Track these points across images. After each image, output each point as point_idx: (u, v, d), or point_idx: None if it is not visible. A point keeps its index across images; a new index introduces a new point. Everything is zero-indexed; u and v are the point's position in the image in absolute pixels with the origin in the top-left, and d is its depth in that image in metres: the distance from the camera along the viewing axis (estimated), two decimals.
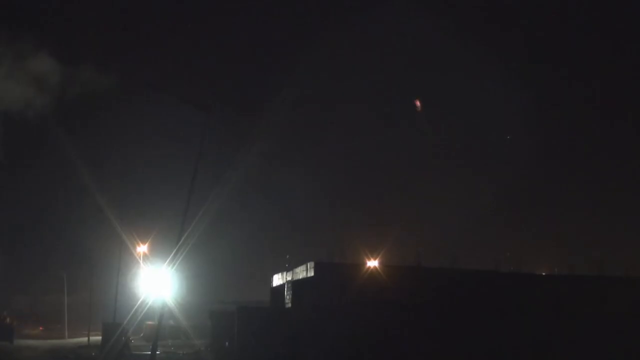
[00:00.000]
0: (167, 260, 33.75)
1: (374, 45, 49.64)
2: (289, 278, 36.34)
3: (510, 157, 49.10)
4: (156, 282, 34.76)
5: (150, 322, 36.87)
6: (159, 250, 36.08)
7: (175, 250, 33.41)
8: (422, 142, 48.25)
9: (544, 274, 37.56)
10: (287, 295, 35.66)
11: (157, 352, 33.28)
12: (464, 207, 47.23)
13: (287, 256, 36.40)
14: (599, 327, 32.80)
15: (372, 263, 35.54)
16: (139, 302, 36.12)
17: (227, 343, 34.24)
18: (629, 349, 32.51)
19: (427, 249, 39.45)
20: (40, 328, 46.58)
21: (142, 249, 38.39)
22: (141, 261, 38.13)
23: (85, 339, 40.99)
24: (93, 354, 34.88)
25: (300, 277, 35.07)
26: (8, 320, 43.50)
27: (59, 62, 34.95)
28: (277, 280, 38.35)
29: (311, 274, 34.23)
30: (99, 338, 36.13)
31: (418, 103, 45.83)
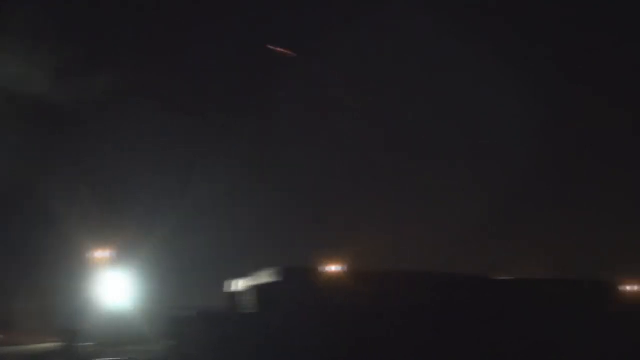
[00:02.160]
0: (129, 266, 33.31)
1: (368, 47, 48.97)
2: (254, 282, 35.84)
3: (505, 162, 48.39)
4: (117, 287, 34.25)
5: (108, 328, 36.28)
6: (121, 255, 35.58)
7: (137, 255, 33.02)
8: (411, 141, 47.32)
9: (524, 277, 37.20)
10: (252, 300, 35.18)
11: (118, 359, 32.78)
12: (440, 211, 46.60)
13: (253, 260, 35.93)
14: (594, 328, 32.90)
15: (340, 267, 35.30)
16: (99, 308, 35.68)
17: (187, 349, 33.61)
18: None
19: (404, 252, 39.09)
20: None
21: (103, 254, 37.66)
22: (102, 266, 37.47)
23: (45, 344, 40.17)
24: None
25: (266, 281, 34.64)
26: None
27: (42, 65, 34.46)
28: (242, 284, 37.71)
29: (277, 278, 33.91)
30: (58, 344, 35.52)
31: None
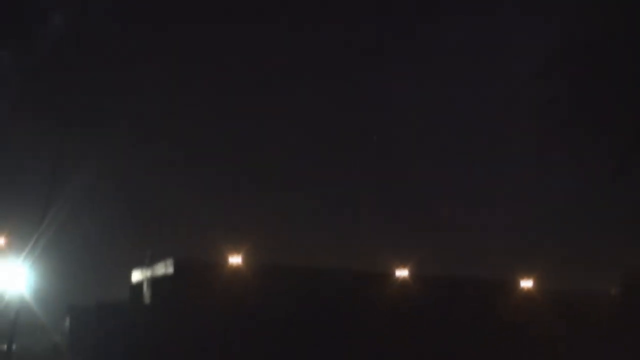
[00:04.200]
0: (24, 254, 33.01)
1: None
2: (149, 274, 36.15)
3: None
4: (11, 276, 33.93)
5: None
6: (15, 243, 34.24)
7: (33, 242, 32.64)
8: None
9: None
10: (147, 292, 35.84)
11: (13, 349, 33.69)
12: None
13: (149, 251, 35.48)
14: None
15: (236, 260, 35.34)
16: None
17: (86, 339, 34.82)
18: None
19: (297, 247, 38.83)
20: None
21: None
22: None
23: None
24: None
25: (160, 273, 35.03)
26: None
27: None
28: (137, 276, 37.87)
29: (170, 270, 34.31)
30: None
31: None
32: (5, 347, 33.52)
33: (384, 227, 40.04)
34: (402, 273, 36.58)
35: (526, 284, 38.01)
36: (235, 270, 34.96)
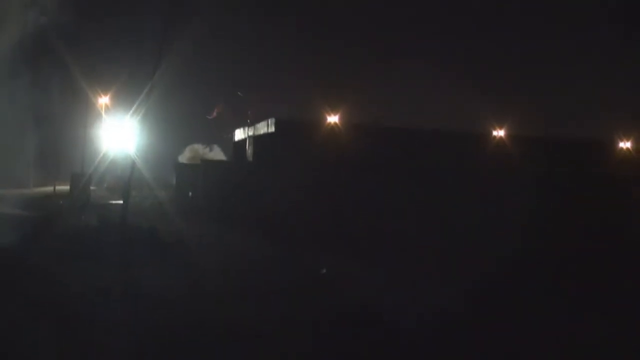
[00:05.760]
0: (131, 111, 33.78)
1: None
2: (250, 133, 37.02)
3: None
4: (120, 133, 34.94)
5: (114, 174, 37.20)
6: (123, 101, 35.03)
7: (139, 101, 33.37)
8: None
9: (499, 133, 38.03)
10: (249, 149, 36.70)
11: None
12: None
13: (250, 111, 36.22)
14: None
15: (333, 119, 35.76)
16: (102, 154, 36.18)
17: (190, 194, 35.98)
18: None
19: (392, 107, 38.91)
20: None
21: (104, 100, 37.03)
22: (104, 113, 37.08)
23: (51, 188, 40.27)
24: (61, 202, 35.77)
25: (262, 132, 35.74)
26: None
27: None
28: (239, 135, 38.83)
29: (272, 129, 34.96)
30: (66, 187, 36.57)
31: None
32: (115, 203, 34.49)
33: (480, 88, 40.30)
34: (498, 133, 36.81)
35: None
36: (333, 129, 35.37)
